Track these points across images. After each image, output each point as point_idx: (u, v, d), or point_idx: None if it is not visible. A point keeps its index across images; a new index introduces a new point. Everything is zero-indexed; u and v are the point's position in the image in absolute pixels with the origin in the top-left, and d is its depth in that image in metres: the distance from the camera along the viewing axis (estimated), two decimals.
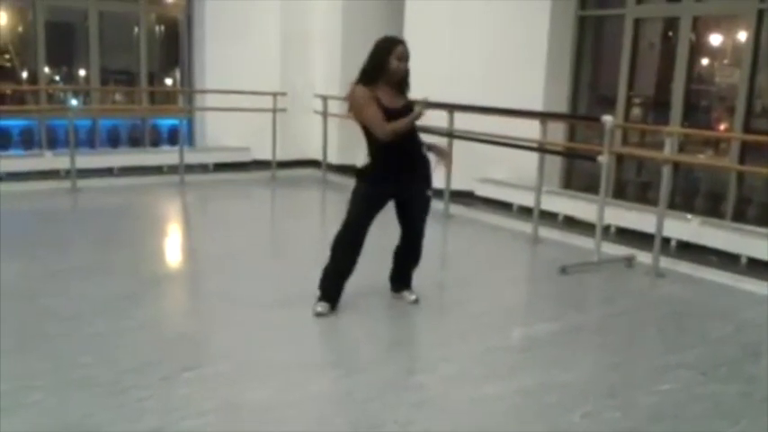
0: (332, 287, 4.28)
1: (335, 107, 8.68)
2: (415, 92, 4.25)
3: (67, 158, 7.89)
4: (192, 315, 4.45)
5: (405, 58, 4.13)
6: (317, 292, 4.27)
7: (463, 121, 6.94)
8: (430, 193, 4.36)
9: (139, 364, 3.46)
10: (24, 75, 9.51)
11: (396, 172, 4.19)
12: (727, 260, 5.62)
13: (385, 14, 9.02)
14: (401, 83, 4.20)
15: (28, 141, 9.13)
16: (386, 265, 4.54)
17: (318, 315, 4.18)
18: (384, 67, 4.08)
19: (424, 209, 4.40)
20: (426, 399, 3.27)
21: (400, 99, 4.21)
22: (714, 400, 3.38)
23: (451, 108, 6.87)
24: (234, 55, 9.35)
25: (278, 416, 3.04)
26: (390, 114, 4.08)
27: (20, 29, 9.61)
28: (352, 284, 4.34)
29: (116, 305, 4.31)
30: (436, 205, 7.32)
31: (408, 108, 4.19)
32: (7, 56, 9.58)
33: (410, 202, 4.32)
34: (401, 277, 4.60)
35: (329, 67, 9.40)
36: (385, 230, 4.42)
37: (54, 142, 9.02)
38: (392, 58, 4.08)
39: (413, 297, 4.54)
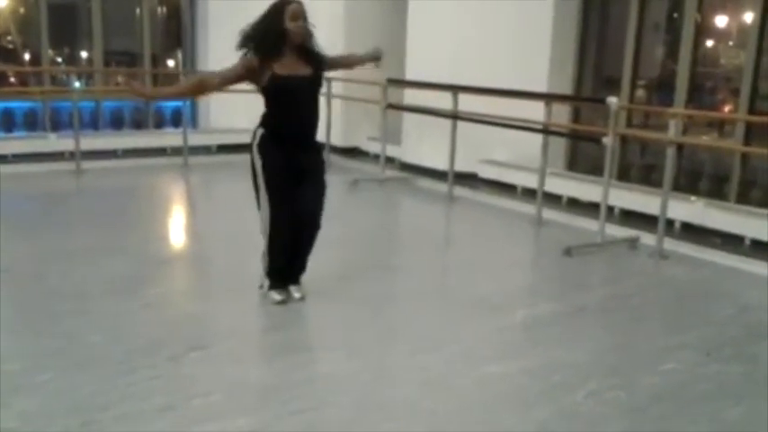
0: (282, 269, 4.05)
1: (339, 89, 8.66)
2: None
3: (71, 140, 7.91)
4: (198, 295, 4.48)
5: (299, 17, 3.69)
6: (266, 281, 4.08)
7: (467, 103, 6.92)
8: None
9: (147, 343, 3.49)
10: (27, 56, 9.49)
11: (289, 142, 3.88)
12: (730, 242, 5.63)
13: None
14: (302, 47, 3.76)
15: (32, 123, 9.15)
16: (383, 246, 4.54)
17: (280, 303, 4.01)
18: (278, 31, 3.67)
19: (319, 192, 3.96)
20: (431, 378, 3.29)
21: (307, 67, 3.81)
22: (717, 380, 3.40)
23: (455, 89, 6.86)
24: (236, 36, 9.30)
25: (284, 395, 3.06)
26: (293, 84, 3.74)
27: (22, 10, 9.58)
28: (354, 267, 4.34)
29: (123, 285, 4.34)
30: (440, 187, 7.39)
31: (319, 75, 3.86)
32: (9, 37, 9.56)
33: (303, 179, 3.91)
34: (290, 269, 4.08)
35: (332, 48, 9.29)
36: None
37: (58, 124, 9.03)
38: (286, 19, 3.67)
39: (298, 294, 4.07)
